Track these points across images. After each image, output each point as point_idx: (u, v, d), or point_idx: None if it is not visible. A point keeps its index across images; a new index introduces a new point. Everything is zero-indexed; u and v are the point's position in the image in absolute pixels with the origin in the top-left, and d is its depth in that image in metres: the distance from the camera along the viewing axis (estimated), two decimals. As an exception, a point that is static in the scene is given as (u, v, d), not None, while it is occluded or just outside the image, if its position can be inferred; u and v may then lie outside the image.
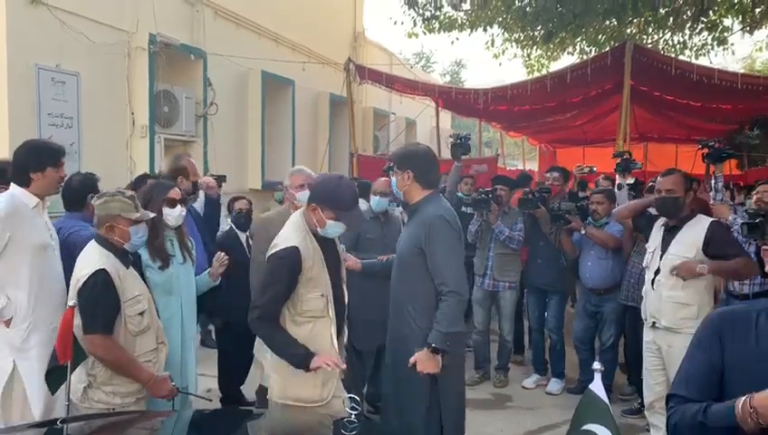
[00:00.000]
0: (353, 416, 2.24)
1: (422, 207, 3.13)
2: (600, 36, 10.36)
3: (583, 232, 5.10)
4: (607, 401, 1.84)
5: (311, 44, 10.84)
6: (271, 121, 9.81)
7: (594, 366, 2.00)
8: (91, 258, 2.82)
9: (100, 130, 6.74)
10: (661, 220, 3.94)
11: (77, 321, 2.72)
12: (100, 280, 2.73)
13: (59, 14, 6.21)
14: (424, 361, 2.90)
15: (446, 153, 10.69)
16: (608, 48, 8.93)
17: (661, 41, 10.64)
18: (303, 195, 3.93)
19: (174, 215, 3.35)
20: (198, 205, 5.17)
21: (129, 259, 2.96)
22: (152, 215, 3.07)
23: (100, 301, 2.73)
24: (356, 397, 2.29)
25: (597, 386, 1.90)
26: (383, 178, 4.67)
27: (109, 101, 6.93)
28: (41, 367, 3.01)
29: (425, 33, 10.61)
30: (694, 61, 9.97)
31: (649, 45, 9.99)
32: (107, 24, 6.82)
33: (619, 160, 5.37)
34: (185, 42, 7.79)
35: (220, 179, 5.92)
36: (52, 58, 6.22)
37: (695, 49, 10.66)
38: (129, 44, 7.11)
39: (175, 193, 3.40)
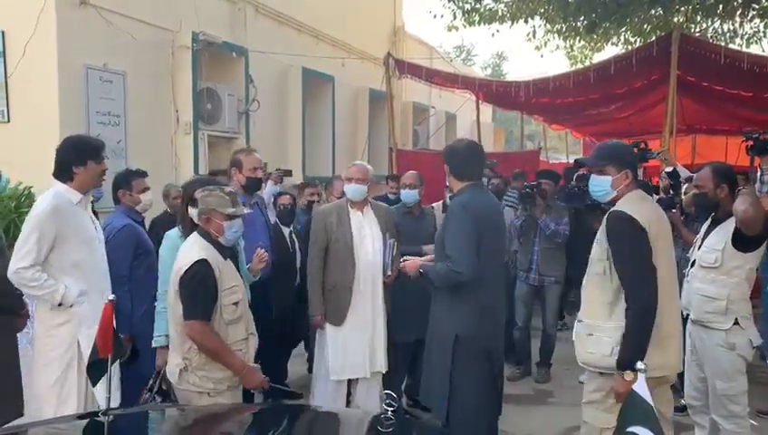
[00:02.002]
0: (390, 412, 2.22)
1: (455, 198, 3.36)
2: (645, 26, 10.08)
3: None
4: (651, 402, 1.79)
5: (350, 40, 10.88)
6: (311, 117, 9.89)
7: (638, 366, 1.93)
8: (192, 249, 2.95)
9: (146, 128, 6.90)
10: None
11: (179, 309, 2.85)
12: (202, 269, 2.85)
13: (106, 15, 6.38)
14: (409, 268, 3.45)
15: (486, 147, 10.58)
16: (653, 38, 8.69)
17: (710, 29, 10.30)
18: (350, 187, 4.11)
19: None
20: (266, 196, 5.30)
21: (227, 252, 3.08)
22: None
23: (200, 289, 2.84)
24: (392, 393, 2.27)
25: (640, 387, 1.83)
26: (412, 172, 4.79)
27: (154, 99, 7.10)
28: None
29: (465, 26, 10.50)
30: (744, 49, 9.63)
31: (697, 34, 9.69)
32: (151, 23, 6.98)
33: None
34: (227, 39, 7.90)
35: (286, 174, 6.09)
36: (99, 58, 6.40)
37: (746, 37, 10.29)
38: (173, 43, 7.26)
39: None
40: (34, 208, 3.23)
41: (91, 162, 3.29)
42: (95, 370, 2.68)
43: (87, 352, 3.11)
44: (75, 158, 3.26)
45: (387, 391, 2.30)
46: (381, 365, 4.12)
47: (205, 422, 2.46)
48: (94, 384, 2.80)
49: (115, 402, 3.20)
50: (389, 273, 4.08)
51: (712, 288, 3.47)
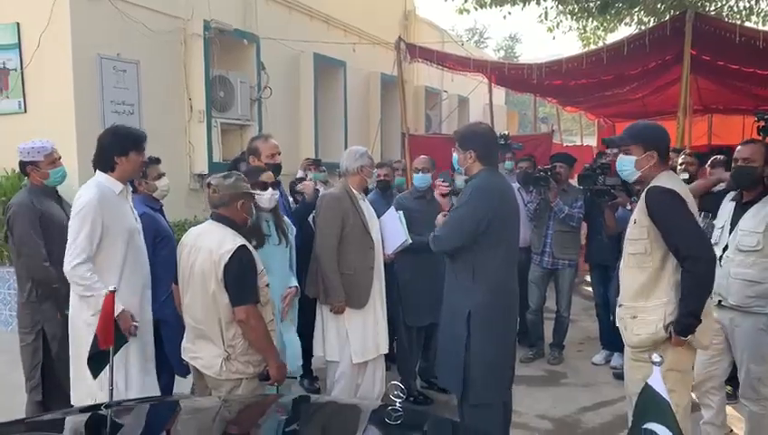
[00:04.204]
0: (398, 404, 2.17)
1: (473, 179, 3.37)
2: (659, 5, 9.95)
3: (629, 208, 4.97)
4: (667, 397, 1.70)
5: (362, 25, 10.86)
6: (323, 103, 9.92)
7: (653, 359, 1.84)
8: (226, 236, 2.94)
9: (160, 116, 6.98)
10: (731, 195, 3.75)
11: (224, 298, 2.86)
12: (246, 254, 2.90)
13: (118, 5, 6.44)
14: None
15: (499, 130, 10.55)
16: (667, 17, 8.58)
17: (726, 7, 10.15)
18: (376, 172, 4.19)
19: (265, 197, 3.54)
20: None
21: (247, 236, 3.10)
22: (262, 194, 3.31)
23: (249, 273, 2.89)
24: (400, 384, 2.21)
25: (656, 381, 1.73)
26: (423, 156, 4.79)
27: (167, 87, 7.17)
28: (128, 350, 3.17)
29: (476, 9, 10.43)
30: (761, 27, 9.48)
31: (713, 12, 9.55)
32: (163, 12, 7.04)
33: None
34: (238, 27, 7.95)
35: (316, 162, 6.18)
36: (113, 47, 6.47)
37: (762, 15, 10.13)
38: (185, 31, 7.32)
39: (267, 176, 3.59)
40: (78, 200, 3.17)
41: (133, 153, 3.27)
42: (96, 362, 2.64)
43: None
44: (117, 148, 3.24)
45: (394, 382, 2.26)
46: (387, 344, 4.20)
47: (207, 413, 2.43)
48: (95, 376, 2.77)
49: (132, 394, 3.22)
50: (410, 241, 4.22)
51: (753, 272, 3.41)
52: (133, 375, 3.28)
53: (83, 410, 2.54)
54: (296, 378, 3.63)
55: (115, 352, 2.60)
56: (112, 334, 2.52)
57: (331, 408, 2.68)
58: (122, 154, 3.23)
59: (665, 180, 2.84)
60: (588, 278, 6.42)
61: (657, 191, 2.81)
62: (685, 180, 4.41)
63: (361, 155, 4.14)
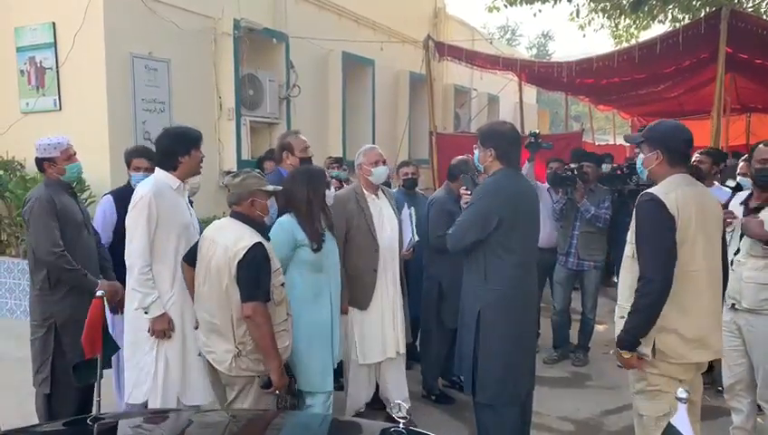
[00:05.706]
0: (401, 425, 2.09)
1: (488, 178, 3.34)
2: (694, 2, 9.74)
3: None
4: None
5: (391, 23, 10.86)
6: (351, 102, 9.95)
7: (678, 394, 1.65)
8: (243, 232, 2.98)
9: (190, 114, 7.06)
10: (741, 196, 3.71)
11: (235, 294, 2.89)
12: (261, 251, 2.92)
13: (150, 4, 6.56)
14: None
15: (530, 128, 10.48)
16: (702, 14, 8.39)
17: (764, 4, 9.89)
18: (379, 170, 4.09)
19: (330, 195, 3.62)
20: None
21: (266, 233, 3.14)
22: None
23: (262, 271, 2.92)
24: (403, 404, 2.14)
25: (681, 421, 1.58)
26: (460, 157, 4.73)
27: (197, 85, 7.27)
28: (179, 345, 3.24)
29: (506, 7, 10.36)
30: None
31: (750, 10, 9.31)
32: (194, 11, 7.14)
33: None
34: (267, 26, 8.02)
35: (337, 161, 6.23)
36: (144, 46, 6.59)
37: (802, 11, 9.84)
38: (216, 30, 7.41)
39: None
40: (135, 196, 3.25)
41: (194, 151, 3.39)
42: (83, 371, 2.50)
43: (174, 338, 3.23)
44: (181, 148, 3.34)
45: (398, 401, 2.18)
46: (400, 347, 4.17)
47: (198, 429, 2.36)
48: (81, 385, 2.68)
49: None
50: (417, 238, 4.20)
51: (765, 274, 3.38)
52: (193, 376, 3.30)
53: (67, 423, 2.48)
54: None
55: (104, 361, 2.47)
56: (100, 343, 2.41)
57: (334, 427, 2.62)
58: (186, 153, 3.34)
59: (665, 185, 2.75)
60: (615, 280, 6.33)
61: (644, 198, 2.74)
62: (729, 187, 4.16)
63: (360, 153, 4.14)
